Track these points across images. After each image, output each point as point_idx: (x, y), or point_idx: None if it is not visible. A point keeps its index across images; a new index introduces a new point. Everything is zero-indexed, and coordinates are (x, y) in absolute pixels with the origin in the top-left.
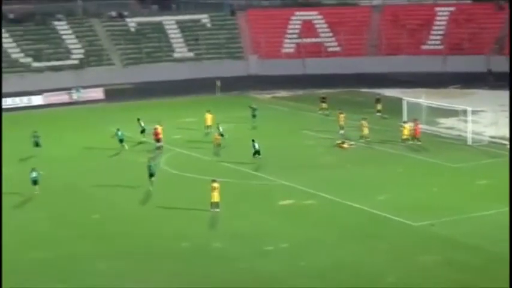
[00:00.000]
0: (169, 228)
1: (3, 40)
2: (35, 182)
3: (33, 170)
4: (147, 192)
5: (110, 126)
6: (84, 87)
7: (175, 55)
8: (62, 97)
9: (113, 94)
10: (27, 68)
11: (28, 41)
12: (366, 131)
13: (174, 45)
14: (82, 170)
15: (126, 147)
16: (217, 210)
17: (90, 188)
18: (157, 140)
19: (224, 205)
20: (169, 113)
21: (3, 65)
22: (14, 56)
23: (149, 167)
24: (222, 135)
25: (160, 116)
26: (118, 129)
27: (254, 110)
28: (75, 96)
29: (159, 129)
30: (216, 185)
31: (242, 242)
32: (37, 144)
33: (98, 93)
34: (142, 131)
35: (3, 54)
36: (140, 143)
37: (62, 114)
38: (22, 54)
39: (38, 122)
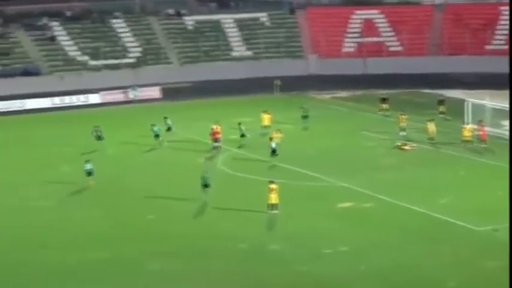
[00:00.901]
0: (226, 229)
1: (61, 38)
2: (89, 173)
3: (87, 161)
4: (203, 192)
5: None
6: (141, 86)
7: (233, 54)
8: (119, 96)
9: (170, 93)
10: (84, 66)
11: (85, 39)
12: (432, 132)
13: (232, 44)
14: (137, 169)
15: (165, 143)
16: (276, 212)
17: (145, 187)
18: (215, 140)
19: (281, 207)
20: (226, 112)
21: (60, 63)
22: (71, 54)
23: (203, 178)
24: (243, 135)
25: (217, 116)
26: (154, 125)
27: (305, 110)
28: (132, 95)
29: (217, 129)
30: (274, 186)
31: (300, 245)
32: (99, 138)
33: (154, 92)
34: (168, 129)
35: (60, 52)
36: (166, 141)
37: (118, 113)
38: (79, 53)
39: (95, 120)
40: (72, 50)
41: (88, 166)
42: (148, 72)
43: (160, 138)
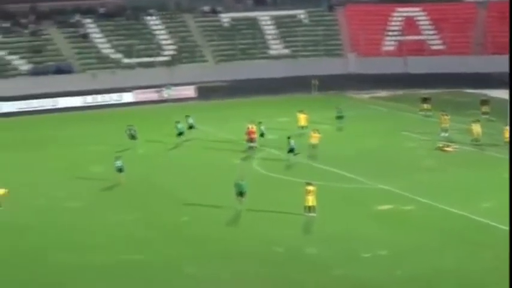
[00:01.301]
0: (261, 232)
1: (94, 35)
2: (120, 170)
3: (117, 158)
4: (238, 201)
5: (202, 125)
6: (176, 85)
7: (270, 52)
8: (152, 95)
9: (205, 92)
10: (117, 65)
11: (119, 36)
12: (477, 133)
13: (269, 42)
14: (169, 169)
15: (185, 141)
16: (314, 214)
17: (178, 188)
18: (251, 140)
19: (319, 209)
20: (262, 112)
21: (93, 60)
22: (104, 51)
23: (238, 186)
24: (262, 135)
25: (253, 116)
26: (178, 122)
27: (339, 111)
28: (166, 94)
29: (253, 128)
30: (311, 188)
31: (337, 248)
32: (133, 137)
33: (189, 91)
34: (190, 127)
35: (93, 50)
36: (186, 140)
37: (151, 112)
38: (112, 50)
39: (128, 120)
40: (105, 47)
41: (119, 163)
42: (183, 71)
43: (183, 136)
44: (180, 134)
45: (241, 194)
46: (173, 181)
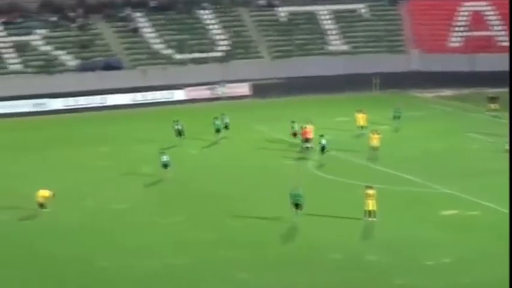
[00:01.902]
0: (318, 237)
1: (145, 30)
2: (165, 165)
3: (163, 153)
4: (294, 213)
5: (256, 124)
6: (229, 82)
7: (329, 48)
8: (205, 92)
9: (260, 90)
10: (168, 60)
11: (170, 31)
12: None
13: (328, 37)
14: (219, 170)
15: (220, 136)
16: (374, 219)
17: (228, 190)
18: (306, 140)
19: (379, 213)
20: (320, 111)
21: (143, 56)
22: (155, 47)
23: (294, 195)
24: (295, 134)
25: (311, 115)
26: (216, 118)
27: (397, 110)
28: (219, 91)
29: (309, 128)
30: (371, 191)
31: (399, 255)
32: (180, 133)
33: (243, 89)
34: (226, 127)
35: (144, 45)
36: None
37: (204, 110)
38: (164, 46)
39: (180, 118)
40: (156, 42)
41: (165, 158)
42: (237, 67)
43: (220, 134)
44: (218, 130)
45: (297, 206)
46: (223, 182)
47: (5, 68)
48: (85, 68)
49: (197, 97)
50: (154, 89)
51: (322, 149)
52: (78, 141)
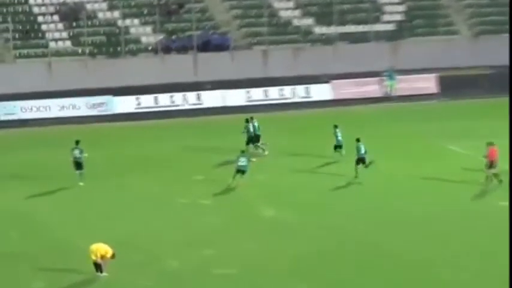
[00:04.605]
0: None
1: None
2: (241, 171)
3: (242, 155)
4: None
5: (448, 143)
6: (402, 72)
7: None
8: (363, 88)
9: (453, 85)
10: (305, 37)
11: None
12: None
13: None
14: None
15: (343, 152)
16: None
17: (432, 254)
18: (490, 165)
19: None
20: None
21: (265, 28)
22: (284, 14)
23: None
24: (340, 146)
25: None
26: (336, 126)
27: None
28: (388, 86)
29: (494, 149)
30: None
31: None
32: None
33: (425, 83)
34: (257, 136)
35: (265, 11)
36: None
37: (358, 117)
38: (298, 13)
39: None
40: (283, 7)
41: (243, 160)
42: (414, 49)
43: (342, 150)
44: (339, 146)
45: None
46: (411, 240)
47: (45, 46)
48: (171, 47)
49: (350, 96)
50: (281, 82)
51: (361, 160)
52: (162, 161)
